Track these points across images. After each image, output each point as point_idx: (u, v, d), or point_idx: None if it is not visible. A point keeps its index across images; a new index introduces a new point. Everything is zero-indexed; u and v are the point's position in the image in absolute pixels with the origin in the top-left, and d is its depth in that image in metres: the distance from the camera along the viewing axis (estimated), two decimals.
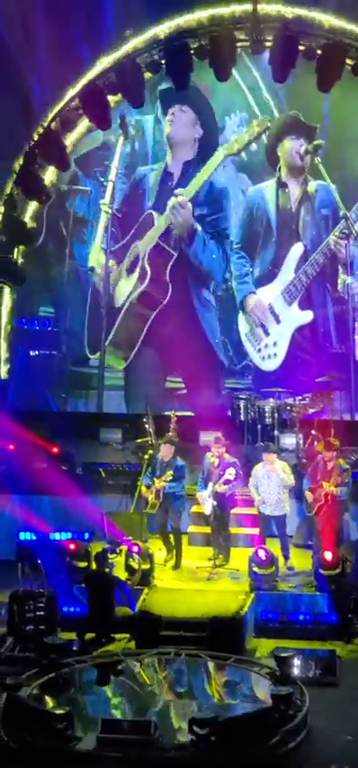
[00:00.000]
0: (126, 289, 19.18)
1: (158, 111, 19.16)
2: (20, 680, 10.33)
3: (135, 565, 13.45)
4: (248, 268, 18.86)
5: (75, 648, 11.87)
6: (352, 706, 10.62)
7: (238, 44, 16.95)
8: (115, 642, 12.24)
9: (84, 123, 18.36)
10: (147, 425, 16.90)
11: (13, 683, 10.16)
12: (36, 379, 19.11)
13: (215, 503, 13.93)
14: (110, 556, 13.24)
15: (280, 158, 18.66)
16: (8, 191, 17.88)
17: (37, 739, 9.44)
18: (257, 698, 10.67)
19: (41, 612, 12.19)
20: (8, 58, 17.69)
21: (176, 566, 14.16)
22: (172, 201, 18.75)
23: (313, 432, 16.02)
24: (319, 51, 16.42)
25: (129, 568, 13.51)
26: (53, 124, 17.67)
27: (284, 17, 16.68)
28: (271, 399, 17.08)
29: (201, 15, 17.09)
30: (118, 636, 12.31)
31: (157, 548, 14.43)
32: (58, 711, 9.53)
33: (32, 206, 18.50)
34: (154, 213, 19.13)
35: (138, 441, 17.02)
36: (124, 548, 13.77)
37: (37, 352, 19.18)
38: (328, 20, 16.67)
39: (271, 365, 18.71)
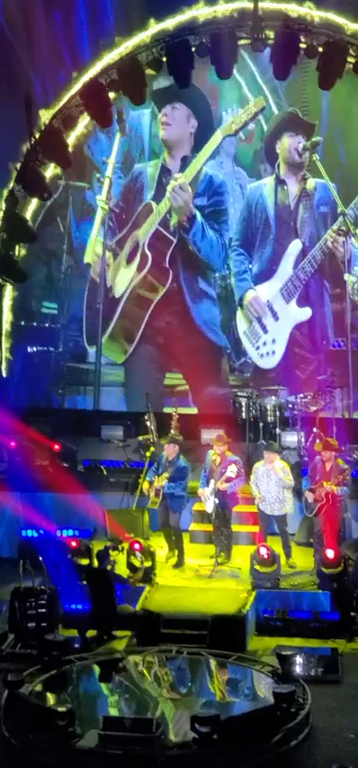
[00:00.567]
0: (125, 278, 19.14)
1: (155, 107, 19.10)
2: (21, 677, 10.34)
3: (137, 562, 13.44)
4: (247, 265, 18.85)
5: (76, 646, 11.86)
6: (354, 704, 10.62)
7: (240, 42, 16.90)
8: (116, 640, 12.23)
9: (85, 121, 18.30)
10: (148, 423, 16.89)
11: (14, 680, 10.18)
12: (37, 377, 19.11)
13: (217, 500, 13.92)
14: (111, 553, 13.22)
15: (278, 155, 18.63)
16: (10, 188, 17.84)
17: (38, 736, 9.45)
18: (259, 696, 10.67)
19: (43, 610, 12.18)
20: (10, 55, 17.73)
21: (178, 564, 14.15)
22: (171, 185, 18.69)
23: (315, 429, 16.03)
24: (321, 49, 16.38)
25: (130, 566, 13.50)
26: (54, 121, 17.64)
27: (285, 14, 16.64)
28: (273, 397, 17.07)
29: (202, 13, 17.06)
30: (119, 633, 12.31)
31: (159, 545, 14.42)
32: (60, 708, 9.53)
33: (34, 203, 18.47)
34: (153, 203, 19.09)
35: (140, 438, 17.03)
36: (126, 545, 13.75)
37: (35, 349, 19.15)
38: (330, 17, 16.64)
39: (269, 363, 18.71)
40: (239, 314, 18.88)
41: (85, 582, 12.84)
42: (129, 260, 19.17)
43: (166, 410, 17.82)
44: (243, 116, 18.34)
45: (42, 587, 12.28)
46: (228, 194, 18.98)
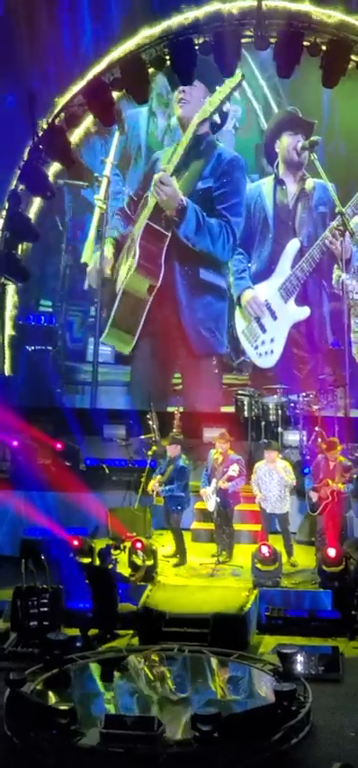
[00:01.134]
0: (124, 272, 19.05)
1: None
2: (23, 675, 10.38)
3: (139, 561, 13.45)
4: (246, 264, 18.78)
5: (78, 644, 11.88)
6: (354, 702, 10.64)
7: (243, 40, 16.90)
8: (118, 638, 12.25)
9: (88, 119, 18.30)
10: (150, 422, 16.90)
11: (16, 679, 10.22)
12: (39, 376, 19.11)
13: (218, 499, 13.93)
14: (113, 552, 13.23)
15: (278, 154, 18.56)
16: (12, 187, 17.85)
17: (40, 735, 9.47)
18: (260, 694, 10.69)
19: (45, 608, 12.21)
20: (13, 53, 17.74)
21: (179, 563, 14.15)
22: (154, 179, 18.57)
23: (317, 428, 16.03)
24: (324, 47, 16.37)
25: (132, 565, 13.52)
26: (57, 120, 17.65)
27: (289, 13, 16.63)
28: (275, 396, 17.07)
29: (205, 11, 17.04)
30: (121, 632, 12.33)
31: (161, 544, 14.44)
32: (62, 707, 9.55)
33: (37, 202, 18.48)
34: (149, 196, 18.86)
35: (142, 437, 17.04)
36: (128, 544, 13.77)
37: (33, 348, 19.14)
38: (334, 15, 16.62)
39: (267, 362, 18.67)
40: (238, 313, 18.81)
41: (86, 581, 12.85)
42: (128, 256, 19.14)
43: (170, 409, 17.80)
44: (217, 96, 17.93)
45: (44, 586, 12.31)
46: (243, 168, 18.64)
